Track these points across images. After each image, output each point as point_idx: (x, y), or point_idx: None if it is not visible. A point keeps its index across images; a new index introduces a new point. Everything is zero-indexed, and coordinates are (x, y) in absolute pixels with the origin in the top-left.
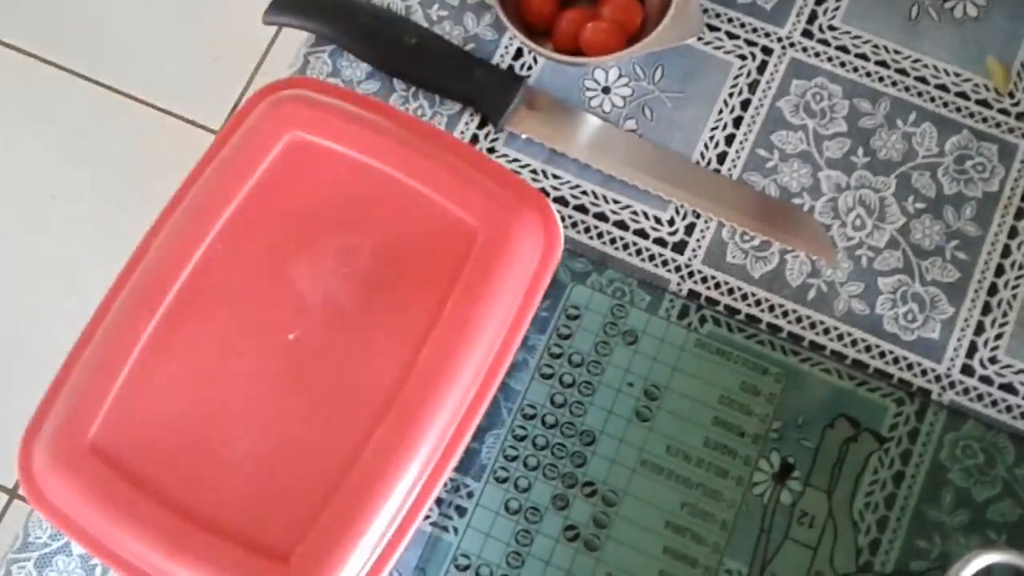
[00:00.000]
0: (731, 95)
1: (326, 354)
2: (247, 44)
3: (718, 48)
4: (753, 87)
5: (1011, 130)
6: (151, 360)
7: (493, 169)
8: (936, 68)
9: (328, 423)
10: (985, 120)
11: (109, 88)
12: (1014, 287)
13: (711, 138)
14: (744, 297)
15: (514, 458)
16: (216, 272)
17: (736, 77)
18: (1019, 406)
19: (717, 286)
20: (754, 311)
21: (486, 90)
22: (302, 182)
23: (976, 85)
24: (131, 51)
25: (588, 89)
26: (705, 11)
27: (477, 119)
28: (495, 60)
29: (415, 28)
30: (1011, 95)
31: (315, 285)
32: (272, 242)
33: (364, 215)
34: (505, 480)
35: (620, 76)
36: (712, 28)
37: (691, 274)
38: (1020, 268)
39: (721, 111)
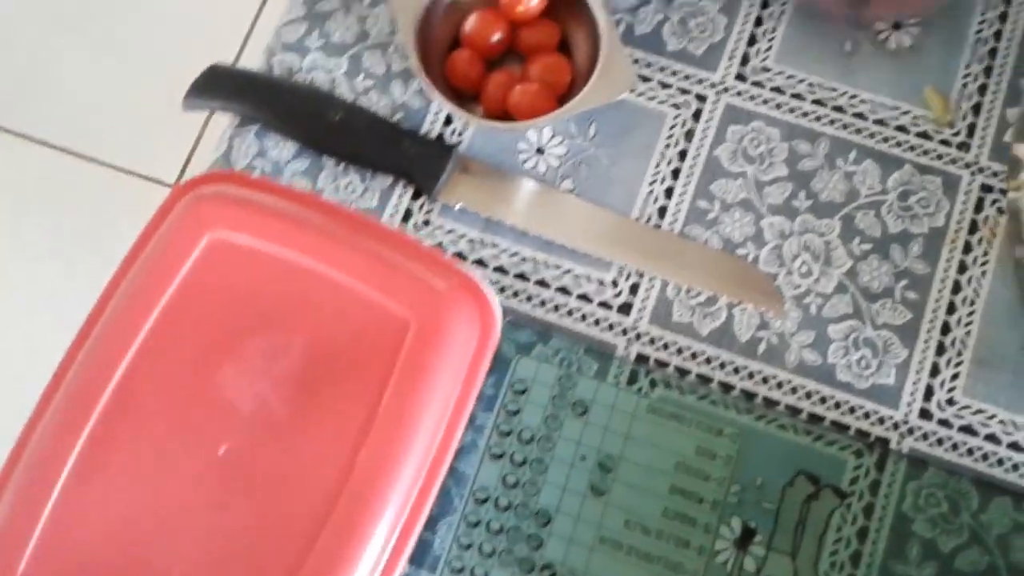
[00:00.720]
0: (667, 146)
1: (261, 463)
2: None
3: (651, 99)
4: (689, 136)
5: (953, 161)
6: (79, 484)
7: (423, 254)
8: (874, 103)
9: (269, 534)
10: (926, 153)
11: (61, 149)
12: (967, 324)
13: (650, 192)
14: (693, 356)
15: (468, 546)
16: (142, 386)
17: (671, 127)
18: (980, 448)
19: (665, 347)
20: (705, 370)
21: (416, 161)
22: (225, 283)
23: (915, 118)
24: (80, 110)
25: (521, 151)
26: (635, 61)
27: (410, 191)
28: (425, 128)
29: (339, 103)
30: (951, 125)
31: (244, 391)
32: (197, 349)
33: (291, 313)
34: (461, 570)
35: (553, 135)
36: (644, 79)
37: (638, 336)
38: (971, 304)
39: (658, 164)
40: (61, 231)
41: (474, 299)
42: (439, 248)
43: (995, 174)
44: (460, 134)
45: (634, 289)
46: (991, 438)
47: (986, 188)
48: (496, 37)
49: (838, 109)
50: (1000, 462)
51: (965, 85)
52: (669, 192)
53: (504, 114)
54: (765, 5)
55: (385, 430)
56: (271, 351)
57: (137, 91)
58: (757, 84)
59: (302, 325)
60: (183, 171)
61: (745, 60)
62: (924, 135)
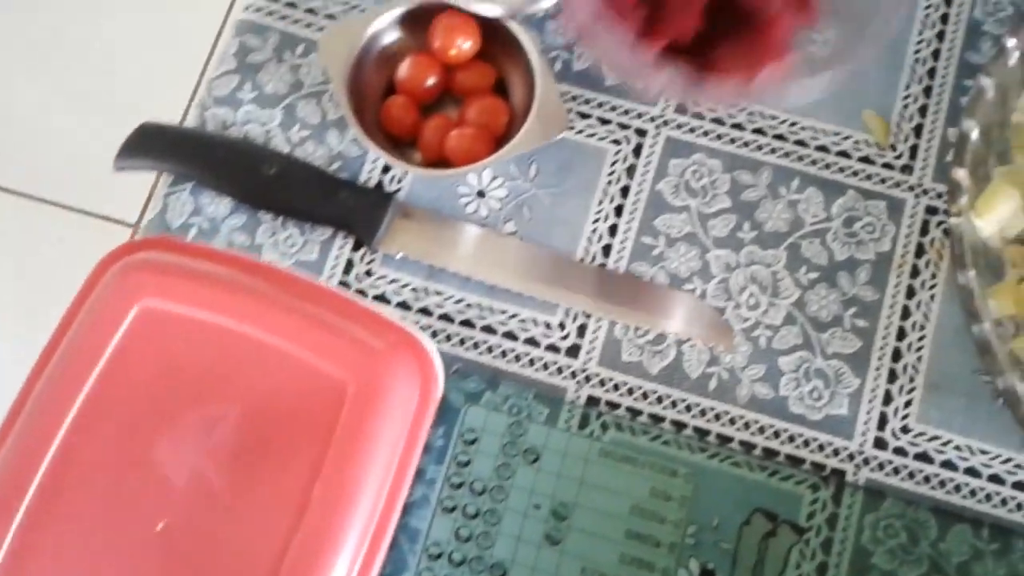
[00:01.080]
0: (609, 183)
1: (201, 538)
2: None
3: (591, 136)
4: (631, 172)
5: (897, 184)
6: (11, 571)
7: (360, 313)
8: (815, 129)
9: None
10: (869, 177)
11: (16, 193)
12: (917, 349)
13: (594, 231)
14: (644, 396)
15: None
16: (75, 464)
17: (613, 164)
18: (936, 475)
19: (616, 388)
20: (656, 409)
21: (354, 212)
22: (158, 353)
23: (857, 142)
24: (35, 153)
25: (462, 195)
26: (574, 98)
27: (351, 242)
28: (364, 176)
29: (274, 156)
30: (893, 148)
31: (181, 464)
32: (131, 423)
33: (226, 381)
34: None
35: (494, 177)
36: (583, 115)
37: (588, 379)
38: (921, 328)
39: (601, 201)
40: (22, 276)
41: (414, 355)
42: (381, 301)
43: (939, 195)
44: (400, 181)
45: (582, 331)
46: (947, 464)
47: (931, 210)
48: (430, 81)
49: (779, 137)
50: (957, 488)
51: (906, 107)
52: (613, 230)
53: (442, 159)
54: None
55: (327, 496)
56: (207, 422)
57: (90, 133)
58: (697, 116)
59: (238, 393)
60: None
61: None
62: (866, 160)
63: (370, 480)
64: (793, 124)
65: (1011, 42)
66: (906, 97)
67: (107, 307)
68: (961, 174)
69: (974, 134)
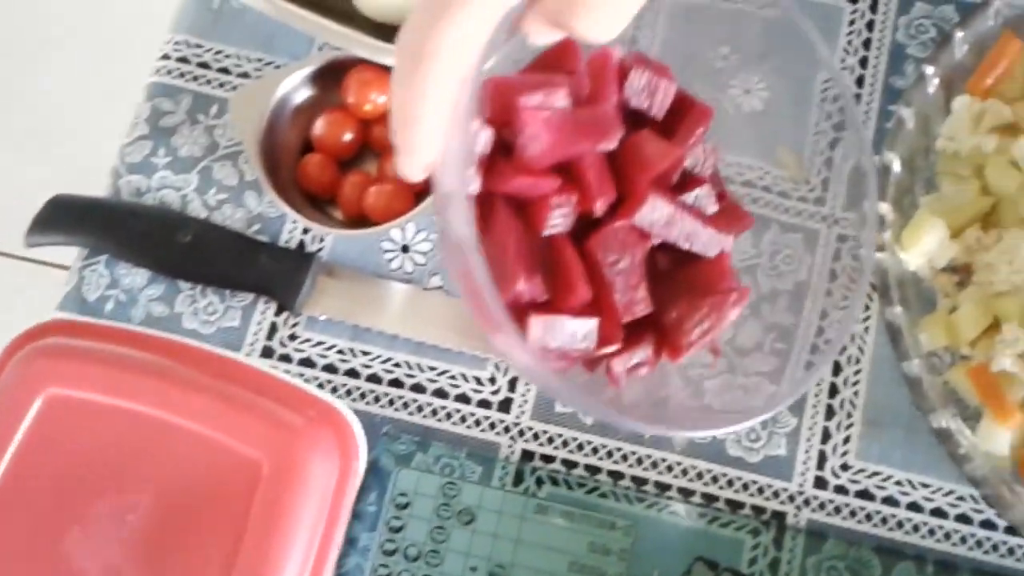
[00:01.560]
0: None
1: None
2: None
3: None
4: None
5: (811, 216)
6: None
7: (276, 386)
8: (740, 165)
9: None
10: (787, 211)
11: None
12: (854, 384)
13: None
14: (580, 447)
15: None
16: None
17: None
18: (878, 512)
19: (550, 440)
20: (592, 460)
21: (274, 276)
22: (66, 442)
23: (776, 177)
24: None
25: (386, 251)
26: None
27: (273, 306)
28: (284, 237)
29: (189, 222)
30: (807, 181)
31: (93, 557)
32: (40, 516)
33: (138, 468)
34: None
35: (418, 231)
36: None
37: (521, 433)
38: (857, 363)
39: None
40: None
41: (332, 428)
42: (306, 365)
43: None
44: (321, 240)
45: (513, 384)
46: (889, 501)
47: (842, 239)
48: (347, 137)
49: None
50: (900, 524)
51: (817, 141)
52: None
53: (361, 217)
54: None
55: None
56: (119, 511)
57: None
58: None
59: (150, 479)
60: None
61: None
62: (784, 194)
63: (290, 561)
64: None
65: (930, 70)
66: (816, 133)
67: (11, 397)
68: (884, 208)
69: (895, 165)
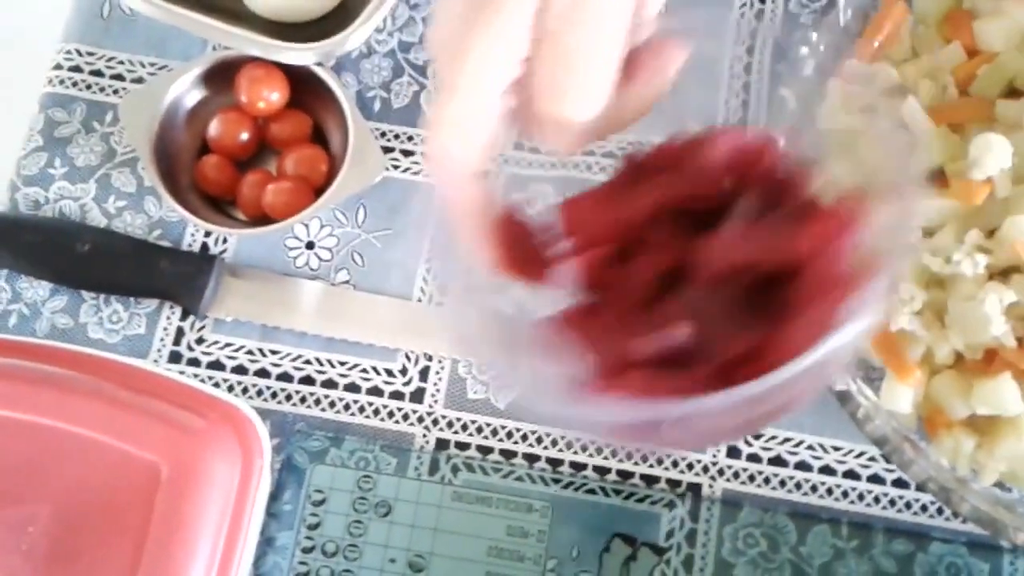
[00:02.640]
0: None
1: None
2: None
3: (417, 173)
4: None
5: None
6: None
7: (175, 390)
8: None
9: None
10: None
11: None
12: None
13: (428, 270)
14: (494, 432)
15: None
16: None
17: None
18: (792, 478)
19: (464, 427)
20: (507, 445)
21: (176, 280)
22: None
23: None
24: None
25: (291, 248)
26: (396, 136)
27: (179, 311)
28: (187, 240)
29: (87, 232)
30: None
31: None
32: None
33: (36, 479)
34: None
35: (322, 227)
36: (406, 153)
37: (435, 422)
38: None
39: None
40: None
41: (233, 427)
42: (215, 368)
43: None
44: (225, 241)
45: (424, 374)
46: (802, 466)
47: None
48: (243, 137)
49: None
50: (814, 489)
51: (727, 118)
52: None
53: (262, 216)
54: None
55: None
56: (18, 523)
57: None
58: (518, 147)
59: (49, 489)
60: None
61: None
62: None
63: (195, 560)
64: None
65: (803, 51)
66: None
67: None
68: None
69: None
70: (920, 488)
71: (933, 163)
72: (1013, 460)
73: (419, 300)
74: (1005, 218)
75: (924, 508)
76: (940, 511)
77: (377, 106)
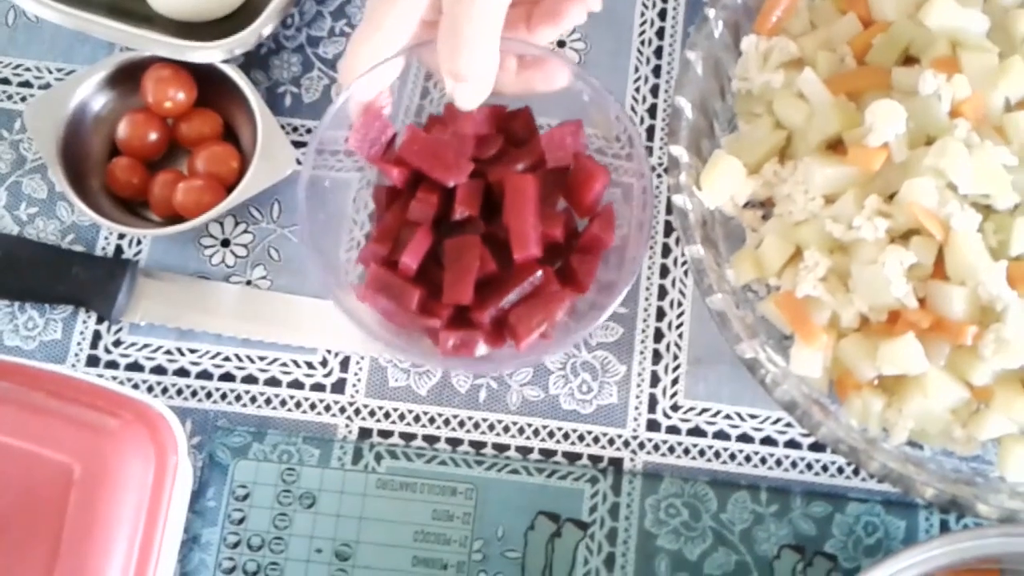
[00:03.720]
0: (357, 211)
1: None
2: None
3: (331, 168)
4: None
5: (625, 172)
6: None
7: (85, 392)
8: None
9: None
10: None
11: None
12: (678, 327)
13: (347, 261)
14: (417, 419)
15: None
16: None
17: (358, 190)
18: (711, 447)
19: (387, 415)
20: (430, 430)
21: (87, 286)
22: None
23: (590, 136)
24: None
25: (206, 247)
26: (309, 131)
27: (95, 315)
28: (100, 244)
29: None
30: (617, 139)
31: None
32: None
33: None
34: None
35: (237, 223)
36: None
37: (357, 411)
38: (679, 306)
39: (352, 229)
40: None
41: (145, 425)
42: (134, 369)
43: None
44: (139, 243)
45: (345, 365)
46: (720, 435)
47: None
48: (152, 137)
49: None
50: (733, 457)
51: (637, 89)
52: None
53: (176, 215)
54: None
55: None
56: None
57: None
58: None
59: None
60: None
61: (420, 112)
62: (600, 151)
63: (111, 558)
64: None
65: (711, 12)
66: (636, 80)
67: None
68: (677, 150)
69: (687, 111)
70: (832, 450)
71: (831, 132)
72: (921, 417)
73: None
74: (902, 182)
75: (840, 470)
76: (856, 472)
77: (288, 101)
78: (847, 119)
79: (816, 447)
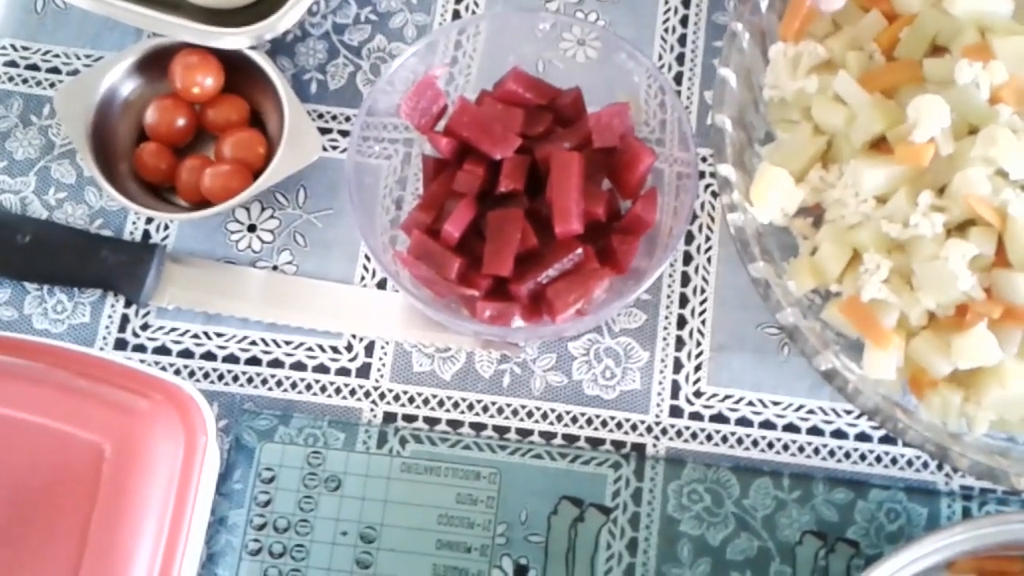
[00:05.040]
0: (384, 196)
1: None
2: None
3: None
4: (402, 184)
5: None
6: None
7: (116, 373)
8: None
9: None
10: None
11: None
12: (701, 314)
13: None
14: (441, 404)
15: None
16: None
17: (387, 176)
18: (734, 433)
19: (411, 400)
20: (454, 415)
21: (116, 270)
22: None
23: None
24: None
25: (232, 232)
26: (334, 117)
27: (123, 299)
28: (128, 229)
29: (27, 223)
30: (646, 123)
31: None
32: None
33: None
34: None
35: (263, 209)
36: (345, 133)
37: (382, 396)
38: (703, 292)
39: (381, 215)
40: None
41: (175, 406)
42: (162, 353)
43: (704, 159)
44: (166, 228)
45: (370, 350)
46: (743, 421)
47: (680, 176)
48: (180, 123)
49: None
50: (755, 443)
51: (649, 86)
52: (394, 241)
53: (202, 200)
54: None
55: (98, 564)
56: None
57: None
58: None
59: None
60: None
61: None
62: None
63: (142, 539)
64: None
65: (738, 26)
66: (660, 67)
67: None
68: (726, 169)
69: (727, 126)
70: (865, 438)
71: (875, 131)
72: (1000, 407)
73: (362, 281)
74: (953, 174)
75: (863, 457)
76: (879, 459)
77: (314, 88)
78: (890, 117)
79: (838, 434)
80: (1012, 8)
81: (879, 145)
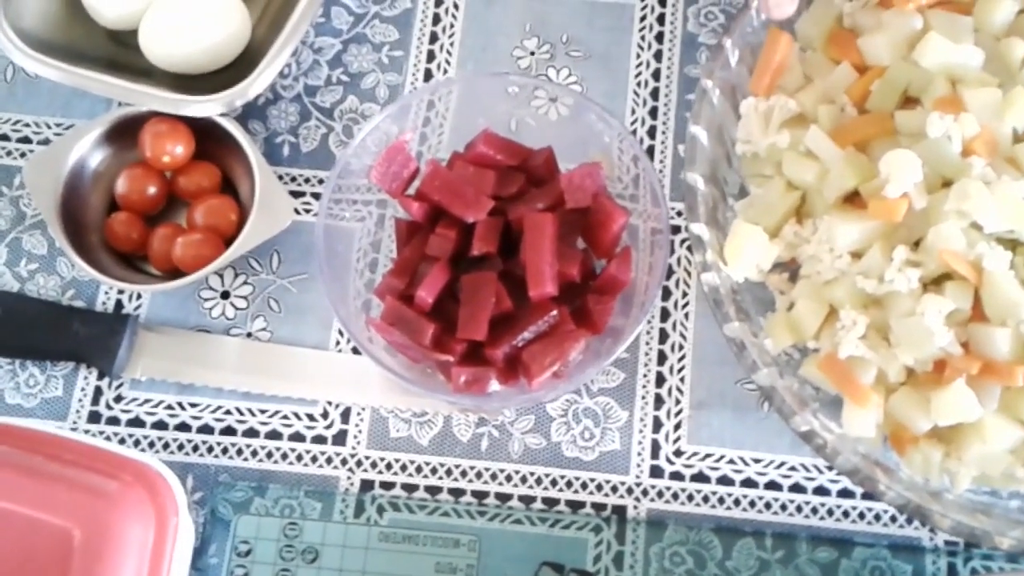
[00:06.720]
0: (358, 260)
1: None
2: None
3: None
4: (376, 246)
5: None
6: None
7: (83, 452)
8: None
9: None
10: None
11: None
12: (679, 371)
13: (355, 308)
14: (419, 469)
15: None
16: None
17: (360, 238)
18: (715, 493)
19: (388, 467)
20: (432, 481)
21: (87, 343)
22: None
23: None
24: None
25: (206, 299)
26: (307, 180)
27: (96, 371)
28: (101, 299)
29: None
30: (619, 179)
31: None
32: None
33: None
34: None
35: (237, 275)
36: (317, 196)
37: (359, 463)
38: (680, 349)
39: (355, 279)
40: None
41: (145, 486)
42: (135, 425)
43: (679, 213)
44: (139, 296)
45: (346, 416)
46: (724, 480)
47: (655, 231)
48: (151, 191)
49: None
50: (737, 502)
51: (620, 144)
52: (367, 305)
53: (176, 269)
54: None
55: None
56: None
57: None
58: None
59: None
60: None
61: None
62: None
63: None
64: None
65: (708, 83)
66: (633, 122)
67: None
68: (698, 228)
69: (699, 184)
70: (847, 495)
71: (847, 187)
72: (982, 463)
73: (337, 346)
74: (927, 228)
75: (846, 514)
76: (862, 516)
77: (286, 151)
78: (862, 172)
79: (821, 491)
80: (982, 59)
81: (853, 199)
